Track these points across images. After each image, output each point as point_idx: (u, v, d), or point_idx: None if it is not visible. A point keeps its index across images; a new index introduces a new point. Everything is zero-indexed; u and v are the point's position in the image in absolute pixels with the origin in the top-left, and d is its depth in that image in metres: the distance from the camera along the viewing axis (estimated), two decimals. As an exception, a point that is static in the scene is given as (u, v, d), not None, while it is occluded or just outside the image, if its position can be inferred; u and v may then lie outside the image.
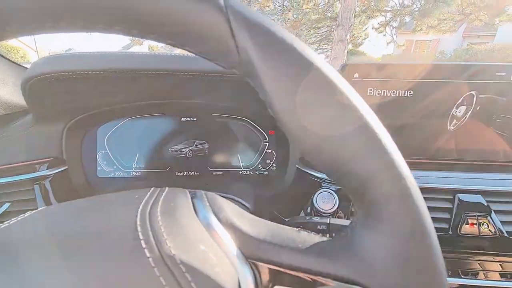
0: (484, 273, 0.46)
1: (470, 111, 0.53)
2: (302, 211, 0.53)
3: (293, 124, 0.18)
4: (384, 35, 8.60)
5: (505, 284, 0.46)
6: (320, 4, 8.31)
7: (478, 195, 0.49)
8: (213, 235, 0.20)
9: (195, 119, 0.60)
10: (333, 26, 6.60)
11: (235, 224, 0.21)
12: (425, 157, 0.54)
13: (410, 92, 0.53)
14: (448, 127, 0.53)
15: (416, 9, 6.15)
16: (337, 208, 0.49)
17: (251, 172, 0.62)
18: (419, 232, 0.17)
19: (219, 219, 0.21)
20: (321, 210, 0.49)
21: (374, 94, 0.53)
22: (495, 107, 0.52)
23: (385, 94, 0.53)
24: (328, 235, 0.22)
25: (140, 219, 0.18)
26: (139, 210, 0.19)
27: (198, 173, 0.61)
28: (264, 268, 0.20)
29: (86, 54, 0.42)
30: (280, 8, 9.38)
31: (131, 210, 0.20)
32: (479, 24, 6.43)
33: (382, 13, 7.38)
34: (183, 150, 0.60)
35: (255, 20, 0.17)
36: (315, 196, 0.51)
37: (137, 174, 0.60)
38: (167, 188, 0.25)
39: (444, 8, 5.61)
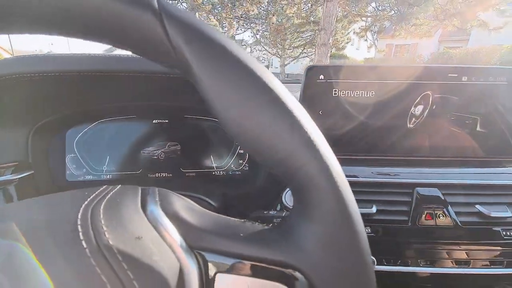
0: (441, 261, 0.49)
1: (427, 110, 0.56)
2: (272, 208, 0.54)
3: (229, 121, 0.19)
4: (366, 39, 8.88)
5: (459, 270, 0.49)
6: (304, 9, 8.48)
7: (435, 188, 0.52)
8: (156, 227, 0.21)
9: (167, 121, 0.60)
10: (317, 31, 6.74)
11: (182, 217, 0.22)
12: (387, 153, 0.57)
13: (372, 92, 0.56)
14: (408, 125, 0.57)
15: (394, 14, 6.41)
16: None
17: (224, 173, 0.63)
18: (345, 217, 0.19)
19: (166, 212, 0.22)
20: (290, 207, 0.51)
21: (339, 95, 0.56)
22: (449, 106, 0.56)
23: (349, 95, 0.56)
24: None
25: (82, 213, 0.19)
26: (83, 205, 0.20)
27: (171, 175, 0.61)
28: (207, 257, 0.21)
29: (48, 56, 0.42)
30: (264, 12, 9.50)
31: (75, 205, 0.20)
32: (452, 29, 6.77)
33: (363, 18, 7.63)
34: (155, 152, 0.60)
35: (188, 22, 0.18)
36: (284, 193, 0.52)
37: (108, 177, 0.59)
38: (119, 185, 0.26)
39: (419, 14, 5.88)
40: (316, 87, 0.56)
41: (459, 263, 0.49)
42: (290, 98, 0.19)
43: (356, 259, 0.19)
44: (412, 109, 0.56)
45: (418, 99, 0.56)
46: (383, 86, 0.55)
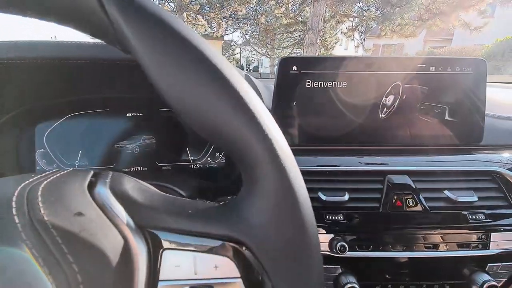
0: (411, 246, 0.50)
1: (397, 100, 0.58)
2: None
3: (170, 96, 0.19)
4: (353, 39, 9.03)
5: (428, 254, 0.50)
6: (292, 9, 8.55)
7: (405, 175, 0.53)
8: (101, 206, 0.20)
9: (141, 114, 0.59)
10: (305, 31, 6.80)
11: (130, 196, 0.22)
12: (360, 143, 0.58)
13: (344, 83, 0.57)
14: (380, 115, 0.58)
15: (380, 14, 6.54)
16: None
17: (201, 166, 0.63)
18: (288, 191, 0.19)
19: (114, 192, 0.22)
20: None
21: (312, 86, 0.57)
22: (418, 96, 0.58)
23: (322, 86, 0.57)
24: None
25: (19, 191, 0.19)
26: (23, 184, 0.20)
27: (146, 169, 0.60)
28: (155, 234, 0.21)
29: (9, 42, 0.41)
30: (253, 13, 9.52)
31: (16, 185, 0.20)
32: (436, 29, 6.96)
33: (350, 18, 7.75)
34: (129, 145, 0.59)
35: None
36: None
37: (81, 172, 0.58)
38: (72, 169, 0.25)
39: (404, 14, 6.02)
40: (290, 79, 0.56)
41: (428, 247, 0.51)
42: (234, 75, 0.20)
43: (299, 232, 0.19)
44: (383, 99, 0.57)
45: (389, 89, 0.57)
46: (355, 77, 0.56)
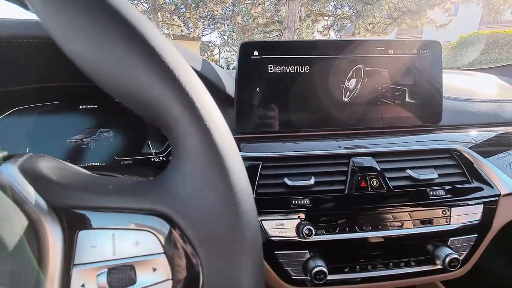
0: (376, 225, 0.50)
1: (360, 83, 0.58)
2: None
3: (84, 62, 0.17)
4: (329, 38, 9.23)
5: (393, 232, 0.51)
6: (268, 9, 8.60)
7: (369, 157, 0.54)
8: (2, 186, 0.18)
9: (96, 106, 0.56)
10: (282, 30, 6.87)
11: (44, 175, 0.19)
12: (325, 127, 0.58)
13: (307, 67, 0.56)
14: (343, 99, 0.58)
15: (353, 13, 6.74)
16: None
17: (164, 159, 0.60)
18: (214, 154, 0.17)
19: (23, 171, 0.19)
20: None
21: (275, 71, 0.56)
22: (380, 78, 0.58)
23: (285, 70, 0.56)
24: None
25: None
26: None
27: (104, 164, 0.56)
28: (71, 214, 0.18)
29: None
30: (230, 12, 9.47)
31: None
32: (405, 27, 7.28)
33: (325, 17, 7.93)
34: (83, 140, 0.55)
35: None
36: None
37: (30, 170, 0.53)
38: None
39: (375, 12, 6.24)
40: (251, 64, 0.55)
41: (393, 225, 0.51)
42: (150, 31, 0.18)
43: (228, 199, 0.17)
44: (346, 83, 0.58)
45: (351, 72, 0.57)
46: (317, 61, 0.56)
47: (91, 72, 0.17)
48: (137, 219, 0.18)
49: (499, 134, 0.63)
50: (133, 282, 0.17)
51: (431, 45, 0.59)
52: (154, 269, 0.17)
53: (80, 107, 0.55)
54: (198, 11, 8.04)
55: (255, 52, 0.55)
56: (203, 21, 9.02)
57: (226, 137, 0.18)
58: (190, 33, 8.84)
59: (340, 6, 7.25)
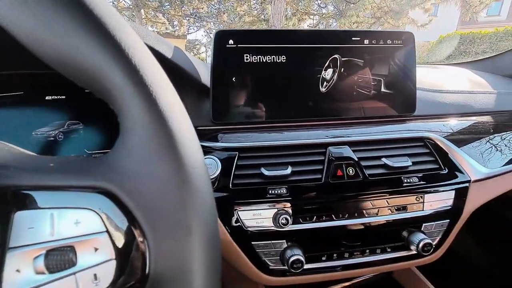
0: (353, 213, 0.51)
1: (336, 73, 0.58)
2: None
3: (16, 27, 0.15)
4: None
5: (370, 220, 0.51)
6: (254, 7, 8.58)
7: (345, 146, 0.54)
8: None
9: (63, 97, 0.53)
10: (268, 28, 6.87)
11: None
12: (302, 118, 0.58)
13: (283, 57, 0.56)
14: (320, 89, 0.58)
15: (337, 12, 6.84)
16: (219, 174, 0.49)
17: (138, 151, 0.58)
18: (159, 123, 0.16)
19: None
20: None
21: (251, 60, 0.55)
22: (356, 68, 0.59)
23: (261, 60, 0.55)
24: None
25: None
26: None
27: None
28: (6, 195, 0.17)
29: None
30: (215, 10, 9.38)
31: None
32: (388, 26, 7.46)
33: (310, 16, 8.00)
34: (50, 132, 0.52)
35: None
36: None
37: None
38: None
39: (359, 12, 6.36)
40: (227, 53, 0.54)
41: (369, 213, 0.52)
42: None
43: (176, 172, 0.16)
44: (323, 73, 0.58)
45: (327, 62, 0.57)
46: (293, 51, 0.56)
47: (20, 36, 0.15)
48: (78, 197, 0.17)
49: (470, 123, 0.66)
50: (73, 263, 0.16)
51: (404, 36, 0.60)
52: (96, 249, 0.16)
53: (47, 98, 0.52)
54: (183, 8, 7.91)
55: (231, 41, 0.54)
56: (189, 19, 8.89)
57: (175, 107, 0.17)
58: (175, 31, 8.69)
59: (324, 5, 7.34)
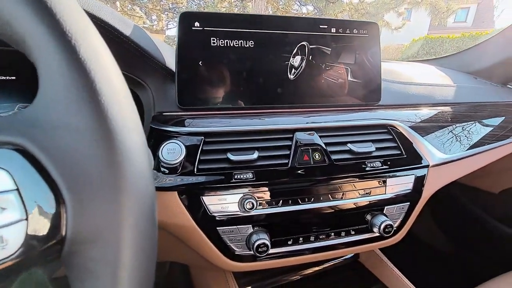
0: (318, 197, 0.52)
1: (304, 61, 0.58)
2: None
3: None
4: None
5: (335, 203, 0.52)
6: (236, 5, 8.52)
7: (312, 131, 0.54)
8: None
9: (14, 78, 0.49)
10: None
11: None
12: (270, 104, 0.58)
13: (251, 42, 0.55)
14: (289, 76, 0.58)
15: (317, 13, 6.97)
16: (183, 159, 0.47)
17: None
18: (79, 76, 0.15)
19: None
20: (165, 161, 0.46)
21: (218, 44, 0.54)
22: (324, 56, 0.60)
23: (228, 45, 0.54)
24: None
25: None
26: None
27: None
28: None
29: None
30: (196, 6, 9.21)
31: None
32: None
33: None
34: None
35: None
36: (161, 147, 0.47)
37: None
38: None
39: (338, 13, 6.53)
40: (193, 36, 0.52)
41: (334, 197, 0.53)
42: None
43: (98, 123, 0.15)
44: (291, 60, 0.58)
45: (295, 50, 0.58)
46: (261, 36, 0.55)
47: None
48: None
49: (432, 113, 0.69)
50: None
51: (369, 26, 0.61)
52: (3, 209, 0.14)
53: (-6, 78, 0.48)
54: (161, 2, 7.68)
55: (196, 24, 0.52)
56: (167, 14, 8.65)
57: (99, 55, 0.16)
58: (153, 25, 8.43)
59: (304, 4, 7.45)
